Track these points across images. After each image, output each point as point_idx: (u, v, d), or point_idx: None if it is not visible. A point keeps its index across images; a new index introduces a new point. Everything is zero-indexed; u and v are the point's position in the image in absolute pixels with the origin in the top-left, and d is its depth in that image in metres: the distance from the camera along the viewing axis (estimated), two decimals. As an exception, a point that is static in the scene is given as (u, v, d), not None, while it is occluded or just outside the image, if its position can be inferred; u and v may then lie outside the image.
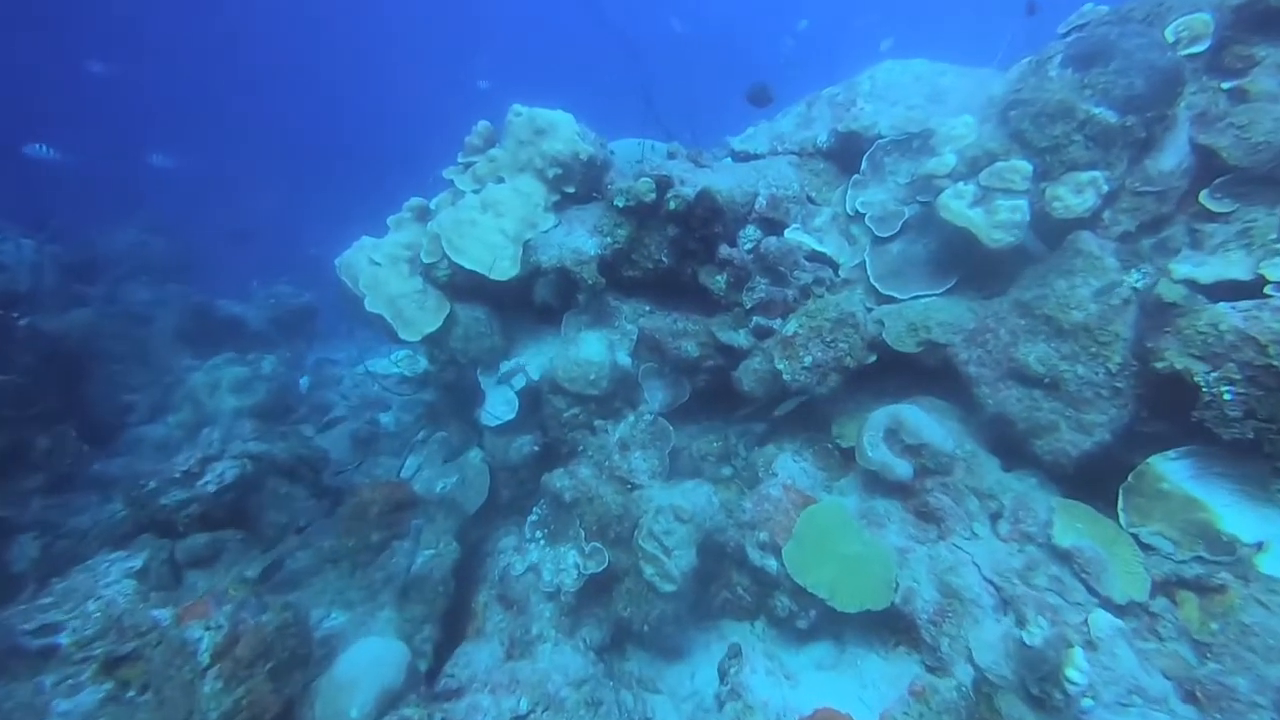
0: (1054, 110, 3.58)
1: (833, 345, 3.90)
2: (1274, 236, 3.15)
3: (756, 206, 4.55)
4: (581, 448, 4.34)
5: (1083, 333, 3.33)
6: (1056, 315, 3.42)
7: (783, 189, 4.63)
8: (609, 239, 4.29)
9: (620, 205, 4.10)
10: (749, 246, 4.53)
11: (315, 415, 5.82)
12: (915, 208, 4.43)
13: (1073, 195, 3.54)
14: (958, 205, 3.82)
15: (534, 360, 4.61)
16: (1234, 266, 3.20)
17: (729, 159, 5.34)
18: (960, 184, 3.87)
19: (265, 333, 6.97)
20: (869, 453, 3.66)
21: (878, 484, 3.73)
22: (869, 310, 4.25)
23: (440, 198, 4.42)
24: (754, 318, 4.37)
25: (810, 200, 4.85)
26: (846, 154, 4.88)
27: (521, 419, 4.57)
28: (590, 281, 4.25)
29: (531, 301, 4.63)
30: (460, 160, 4.37)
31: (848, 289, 4.42)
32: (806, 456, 4.15)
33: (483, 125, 4.39)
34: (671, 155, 4.78)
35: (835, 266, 4.53)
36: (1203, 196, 3.57)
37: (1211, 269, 3.28)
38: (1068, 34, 5.12)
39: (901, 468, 3.56)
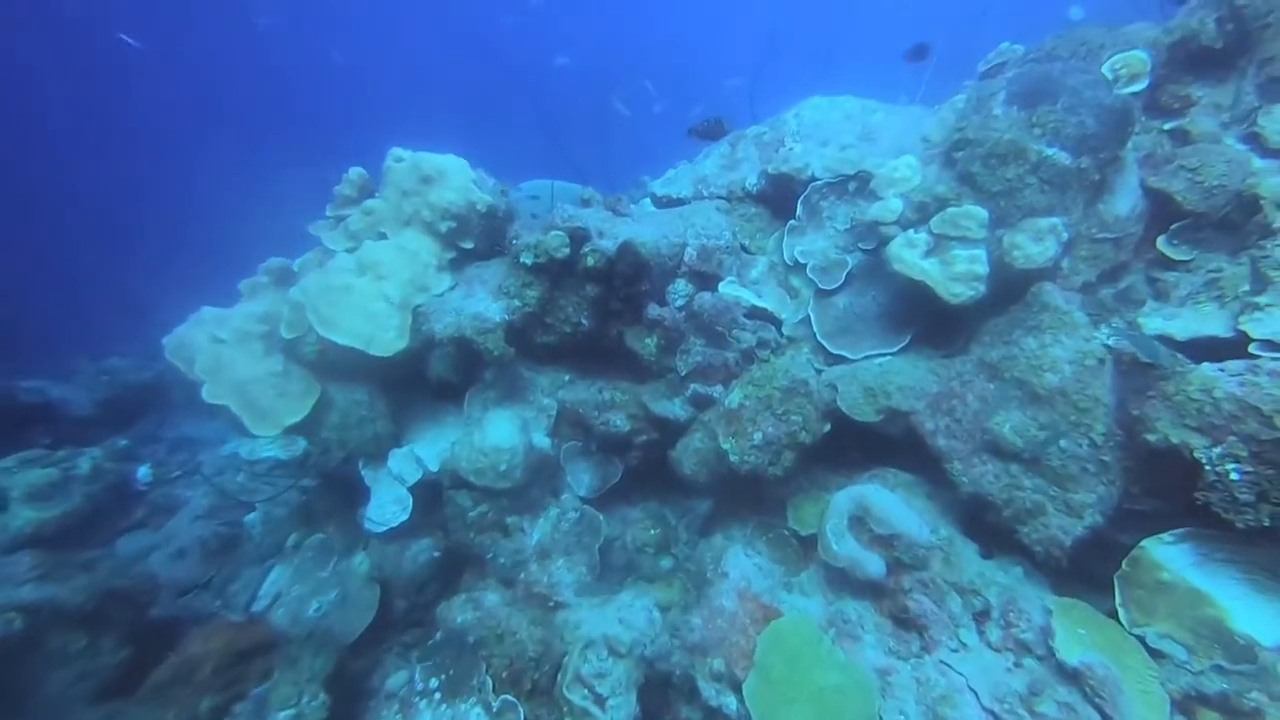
0: (1005, 151, 3.32)
1: (785, 419, 3.43)
2: (1246, 288, 2.95)
3: (686, 259, 4.08)
4: (491, 554, 3.64)
5: (1060, 398, 3.01)
6: (1029, 379, 3.09)
7: (714, 238, 4.20)
8: (517, 301, 3.70)
9: (528, 263, 3.52)
10: (680, 304, 4.05)
11: (158, 518, 4.79)
12: (858, 255, 4.11)
13: (1033, 243, 3.27)
14: (911, 256, 3.48)
15: (432, 448, 3.90)
16: (1210, 321, 2.98)
17: (648, 202, 4.89)
18: (911, 232, 3.55)
19: (93, 418, 5.80)
20: (834, 547, 3.17)
21: (845, 582, 3.23)
22: (819, 372, 3.84)
23: (305, 259, 3.69)
24: (691, 385, 3.87)
25: (744, 249, 4.45)
26: (779, 197, 4.54)
27: (417, 520, 3.83)
28: (496, 352, 3.63)
29: (427, 377, 3.93)
30: (330, 213, 3.68)
31: (794, 348, 4.00)
32: (760, 548, 3.63)
33: (355, 173, 3.73)
34: (586, 202, 4.28)
35: (778, 323, 4.11)
36: (1161, 243, 3.39)
37: (1185, 324, 3.05)
38: (989, 71, 5.06)
39: (873, 564, 3.08)
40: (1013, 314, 3.37)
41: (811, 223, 4.35)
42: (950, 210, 3.44)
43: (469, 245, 3.83)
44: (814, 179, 4.32)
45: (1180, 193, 3.33)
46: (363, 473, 3.79)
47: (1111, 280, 3.51)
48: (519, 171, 5.51)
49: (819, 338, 3.97)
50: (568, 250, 3.54)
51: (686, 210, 4.38)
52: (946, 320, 3.60)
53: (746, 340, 3.80)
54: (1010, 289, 3.42)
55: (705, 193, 4.66)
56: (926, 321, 3.72)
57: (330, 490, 4.34)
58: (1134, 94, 3.56)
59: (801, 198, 4.31)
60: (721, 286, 4.16)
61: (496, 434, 3.70)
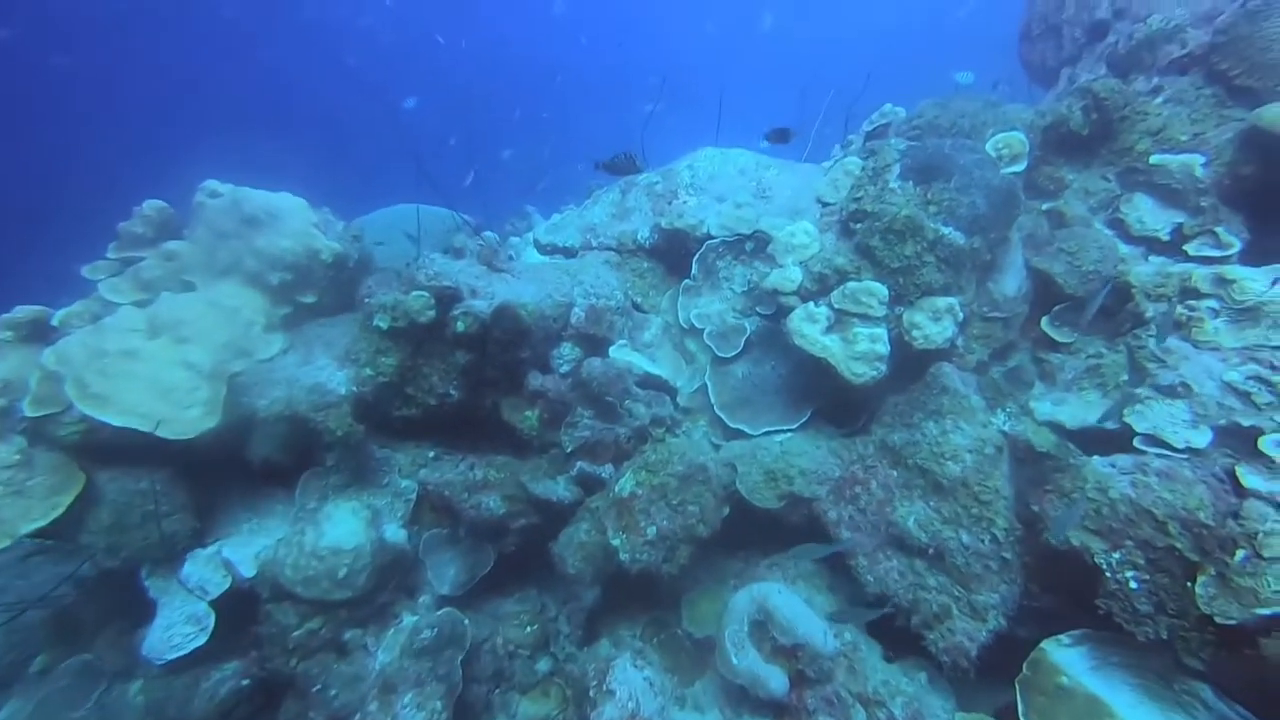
0: (902, 228, 3.25)
1: (681, 509, 3.10)
2: (1125, 377, 3.02)
3: (573, 320, 3.70)
4: (320, 685, 2.97)
5: (961, 489, 2.92)
6: (932, 467, 2.98)
7: (604, 297, 3.85)
8: (369, 370, 3.12)
9: (383, 327, 2.97)
10: (566, 369, 3.64)
11: None
12: (756, 321, 3.93)
13: (931, 323, 3.21)
14: (812, 332, 3.32)
15: (247, 547, 3.17)
16: (1094, 409, 3.02)
17: (533, 249, 4.48)
18: (812, 305, 3.39)
19: None
20: (734, 660, 2.85)
21: (744, 698, 2.92)
22: (717, 448, 3.57)
23: (70, 310, 2.89)
24: (577, 462, 3.47)
25: (637, 307, 4.14)
26: (673, 253, 4.30)
27: (222, 641, 3.07)
28: (340, 432, 3.03)
29: (246, 457, 3.21)
30: (111, 255, 2.91)
31: (690, 422, 3.71)
32: (650, 657, 3.24)
33: (152, 206, 3.00)
34: (458, 252, 3.78)
35: (673, 392, 3.81)
36: (1045, 324, 3.47)
37: (1072, 410, 3.08)
38: (874, 132, 5.17)
39: (775, 680, 2.80)
40: (913, 394, 3.28)
41: (708, 282, 4.13)
42: (851, 285, 3.32)
43: (309, 299, 3.20)
44: (710, 236, 4.12)
45: (1061, 275, 3.43)
46: (146, 584, 2.98)
47: (1001, 359, 3.54)
48: (382, 201, 4.91)
49: (716, 409, 3.71)
50: (433, 313, 3.03)
51: (574, 265, 4.00)
52: (848, 396, 3.47)
53: (639, 414, 3.45)
54: (910, 366, 3.34)
55: (594, 243, 4.32)
56: (828, 397, 3.57)
57: (104, 592, 3.43)
58: (1015, 174, 3.66)
59: (697, 256, 4.08)
60: (612, 351, 3.80)
61: (336, 531, 3.07)
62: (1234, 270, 3.12)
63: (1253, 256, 3.35)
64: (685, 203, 4.25)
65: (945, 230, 3.24)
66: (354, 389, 3.08)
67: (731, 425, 3.66)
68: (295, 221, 3.04)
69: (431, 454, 3.54)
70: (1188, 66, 3.90)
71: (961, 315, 3.27)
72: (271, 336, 3.05)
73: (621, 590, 3.50)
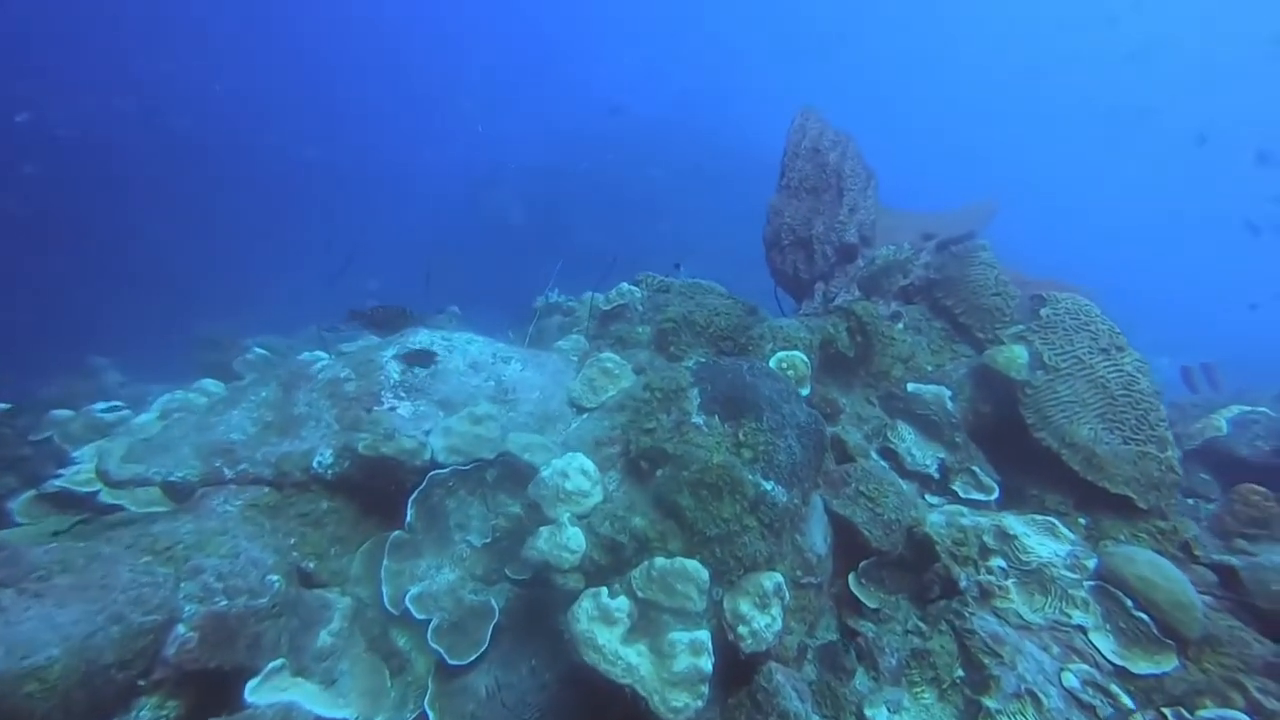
0: (717, 481, 2.54)
1: None
2: (960, 673, 2.65)
3: (171, 653, 2.00)
4: None
5: None
6: None
7: (242, 588, 2.25)
8: None
9: None
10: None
11: None
12: (507, 589, 2.76)
13: (758, 613, 2.47)
14: (609, 641, 2.28)
15: None
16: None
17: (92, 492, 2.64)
18: (604, 595, 2.37)
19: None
20: None
21: None
22: None
23: None
24: None
25: (307, 580, 2.59)
26: (372, 488, 2.93)
27: None
28: None
29: None
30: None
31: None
32: None
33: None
34: None
35: (369, 753, 2.30)
36: (852, 584, 3.04)
37: (915, 720, 2.56)
38: (612, 313, 4.69)
39: None
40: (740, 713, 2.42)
41: (431, 535, 2.82)
42: (660, 565, 2.42)
43: None
44: (435, 464, 2.88)
45: (865, 525, 3.09)
46: None
47: (811, 632, 2.96)
48: None
49: (445, 773, 2.32)
50: None
51: (180, 529, 2.31)
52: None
53: None
54: (732, 672, 2.50)
55: (229, 473, 2.68)
56: (622, 730, 2.49)
57: None
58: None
59: (416, 496, 2.79)
60: (253, 691, 2.16)
61: None
62: (1011, 524, 3.13)
63: (1004, 495, 3.50)
64: (394, 409, 2.96)
65: (766, 485, 2.62)
66: None
67: (473, 799, 2.30)
68: None
69: None
70: (912, 295, 4.26)
71: (788, 597, 2.61)
72: None
73: None
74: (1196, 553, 3.36)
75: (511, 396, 3.41)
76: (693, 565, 2.44)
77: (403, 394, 3.09)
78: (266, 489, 2.71)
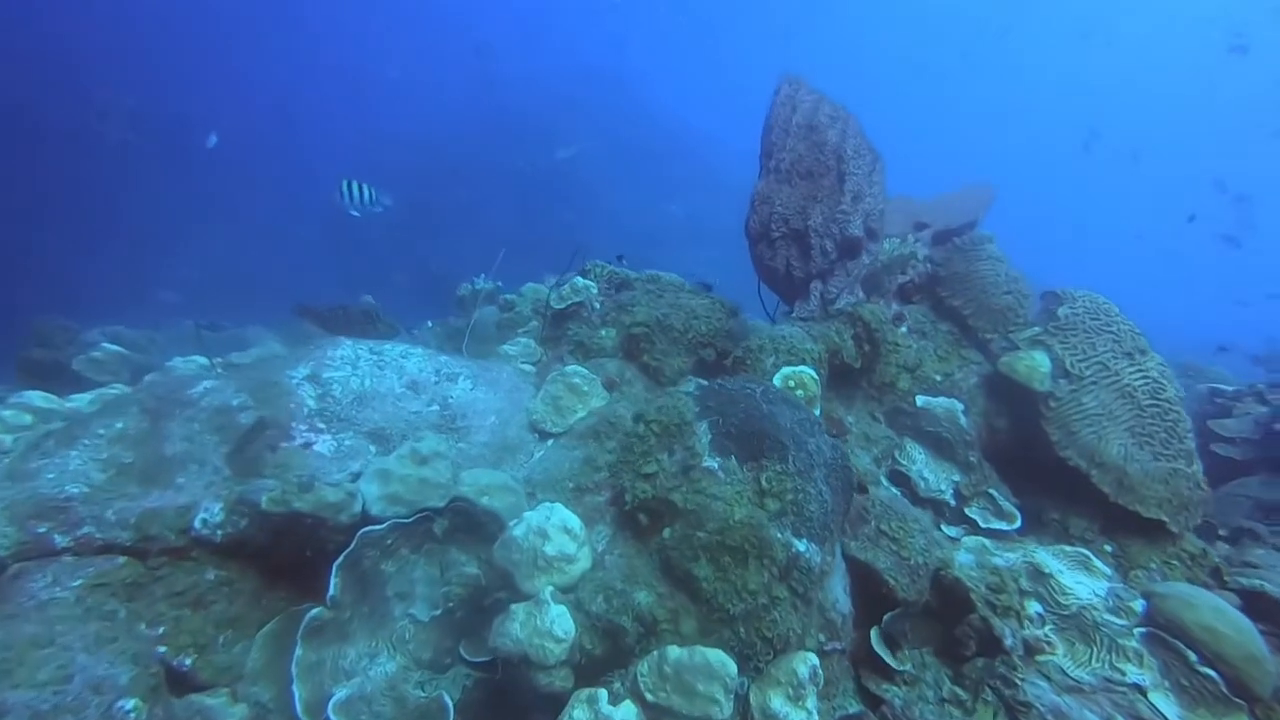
0: (741, 544, 2.05)
1: None
2: (1017, 751, 2.27)
3: None
4: None
5: None
6: None
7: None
8: None
9: None
10: None
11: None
12: (465, 675, 2.19)
13: (792, 708, 2.00)
14: (615, 774, 1.73)
15: None
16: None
17: None
18: (601, 699, 1.86)
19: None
20: None
21: None
22: None
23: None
24: None
25: (184, 681, 1.94)
26: (276, 546, 2.26)
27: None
28: None
29: None
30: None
31: None
32: None
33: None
34: None
35: None
36: (876, 645, 2.62)
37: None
38: (566, 312, 4.13)
39: None
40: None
41: (362, 610, 2.21)
42: (674, 658, 1.90)
43: None
44: (367, 518, 2.25)
45: (889, 571, 2.67)
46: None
47: (828, 703, 2.53)
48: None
49: None
50: None
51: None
52: None
53: None
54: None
55: (62, 541, 1.98)
56: None
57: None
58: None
59: (341, 561, 2.16)
60: None
61: None
62: (1044, 560, 2.80)
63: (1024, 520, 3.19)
64: (310, 448, 2.29)
65: (799, 545, 2.14)
66: None
67: None
68: None
69: None
70: (911, 293, 3.87)
71: (822, 677, 2.15)
72: None
73: None
74: (1226, 579, 3.16)
75: (462, 423, 2.78)
76: (716, 657, 1.93)
77: (321, 425, 2.42)
78: (122, 559, 2.00)
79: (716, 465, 2.23)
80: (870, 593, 2.74)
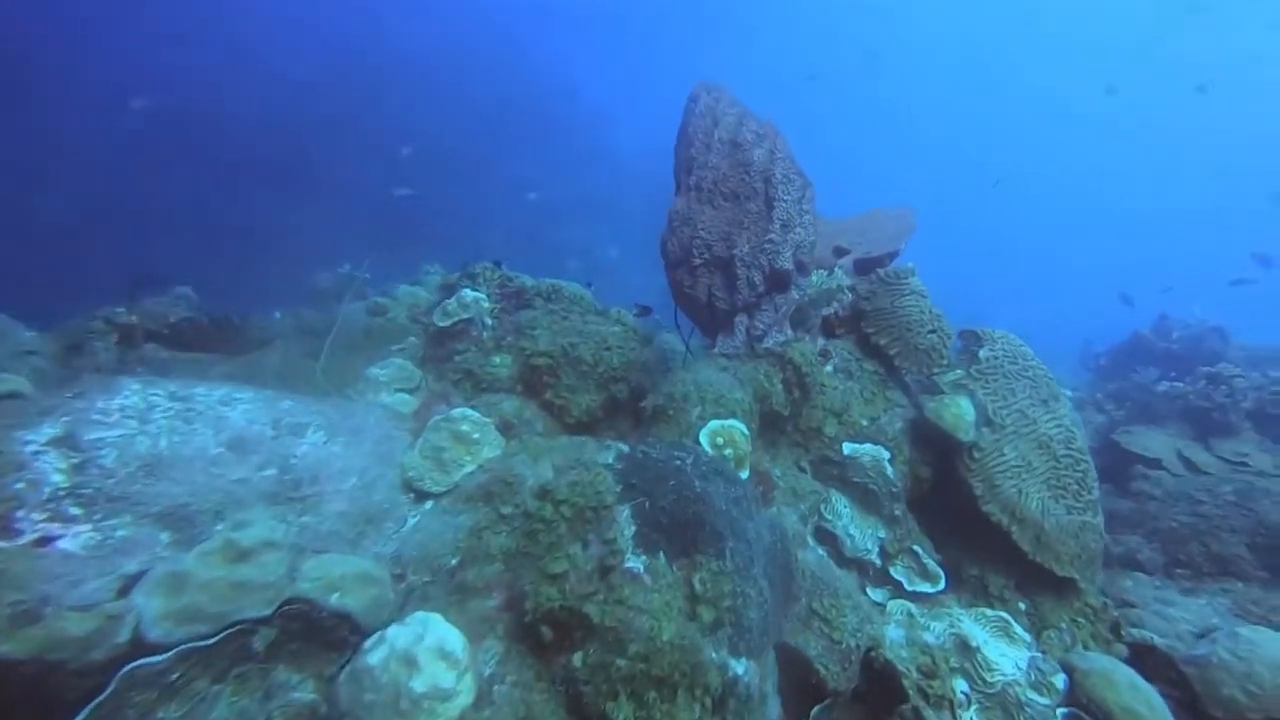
0: (669, 672, 1.70)
1: None
2: None
3: None
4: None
5: None
6: None
7: None
8: None
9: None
10: None
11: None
12: None
13: None
14: None
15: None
16: None
17: None
18: None
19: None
20: None
21: None
22: None
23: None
24: None
25: None
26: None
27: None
28: None
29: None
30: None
31: None
32: None
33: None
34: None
35: None
36: (805, 739, 2.34)
37: None
38: (452, 330, 3.65)
39: None
40: None
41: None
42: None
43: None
44: (140, 646, 1.67)
45: (821, 659, 2.41)
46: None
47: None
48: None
49: None
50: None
51: None
52: None
53: None
54: None
55: None
56: None
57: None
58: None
59: (103, 701, 1.56)
60: None
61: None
62: (970, 631, 2.66)
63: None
64: (52, 546, 1.67)
65: (736, 667, 1.80)
66: None
67: None
68: None
69: None
70: (834, 327, 3.66)
71: (755, 819, 1.83)
72: None
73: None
74: (1122, 633, 3.19)
75: (310, 490, 2.21)
76: (640, 832, 1.54)
77: (75, 510, 1.77)
78: None
79: (642, 567, 1.83)
80: (799, 677, 2.47)
